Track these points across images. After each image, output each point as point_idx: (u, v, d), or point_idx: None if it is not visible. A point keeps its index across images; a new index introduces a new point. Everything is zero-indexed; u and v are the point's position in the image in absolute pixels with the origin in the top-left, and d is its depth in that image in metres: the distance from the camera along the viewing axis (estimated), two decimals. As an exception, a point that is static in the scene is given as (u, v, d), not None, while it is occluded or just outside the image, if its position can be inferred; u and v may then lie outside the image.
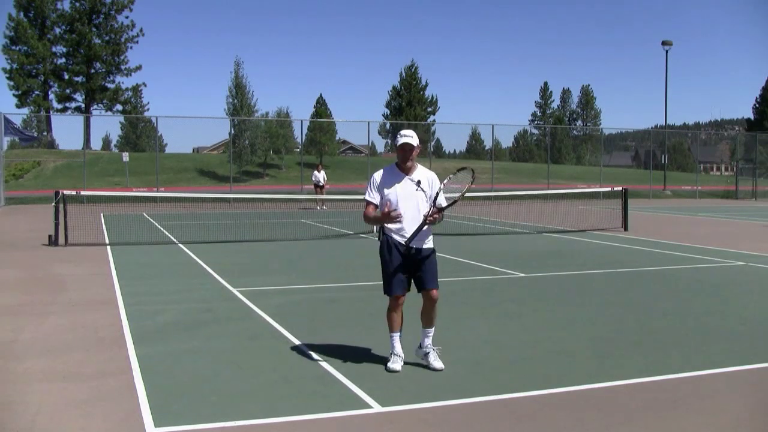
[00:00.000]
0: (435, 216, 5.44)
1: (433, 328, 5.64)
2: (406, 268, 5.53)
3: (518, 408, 4.72)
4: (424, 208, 5.49)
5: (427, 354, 5.60)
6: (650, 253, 13.41)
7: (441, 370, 5.46)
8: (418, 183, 5.55)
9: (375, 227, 5.64)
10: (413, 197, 5.53)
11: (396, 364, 5.51)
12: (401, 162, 5.60)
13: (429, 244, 5.61)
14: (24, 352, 6.11)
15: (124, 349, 6.18)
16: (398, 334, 5.61)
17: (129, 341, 6.42)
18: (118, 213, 23.73)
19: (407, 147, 5.55)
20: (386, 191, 5.55)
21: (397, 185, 5.55)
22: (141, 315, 7.56)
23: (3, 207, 27.85)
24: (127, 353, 6.03)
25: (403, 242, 5.45)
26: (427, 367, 5.52)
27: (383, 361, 5.71)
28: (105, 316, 7.53)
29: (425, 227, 5.44)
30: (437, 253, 5.69)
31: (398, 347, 5.59)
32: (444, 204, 5.59)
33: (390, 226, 5.52)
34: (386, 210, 5.44)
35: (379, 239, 5.68)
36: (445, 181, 5.66)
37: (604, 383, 5.23)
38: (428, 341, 5.63)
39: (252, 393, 5.00)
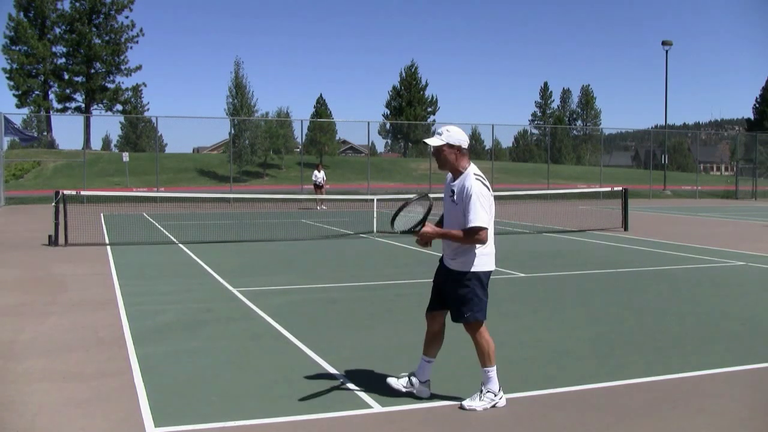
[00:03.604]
0: (420, 231, 4.60)
1: (486, 369, 4.69)
2: (439, 286, 4.84)
3: (518, 408, 4.72)
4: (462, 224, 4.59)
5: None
6: (650, 253, 13.41)
7: (473, 410, 4.63)
8: (452, 193, 4.70)
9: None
10: (453, 211, 4.69)
11: (397, 384, 4.81)
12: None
13: (458, 265, 4.69)
14: (24, 352, 6.11)
15: (124, 349, 6.17)
16: (425, 358, 4.87)
17: (129, 341, 6.42)
18: (118, 213, 23.73)
19: (433, 150, 4.74)
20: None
21: (446, 195, 4.81)
22: (141, 315, 7.56)
23: (3, 207, 27.85)
24: (127, 353, 6.02)
25: (440, 257, 4.83)
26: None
27: (383, 361, 5.72)
28: (105, 316, 7.53)
29: (455, 245, 4.66)
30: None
31: (418, 374, 4.84)
32: (409, 226, 4.68)
33: None
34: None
35: None
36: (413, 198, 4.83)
37: (604, 383, 5.23)
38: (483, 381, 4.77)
39: (252, 393, 4.99)
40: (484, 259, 4.68)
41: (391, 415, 4.57)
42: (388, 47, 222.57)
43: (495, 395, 4.69)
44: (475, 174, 4.65)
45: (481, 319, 4.71)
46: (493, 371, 4.71)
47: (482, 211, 4.53)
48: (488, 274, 4.75)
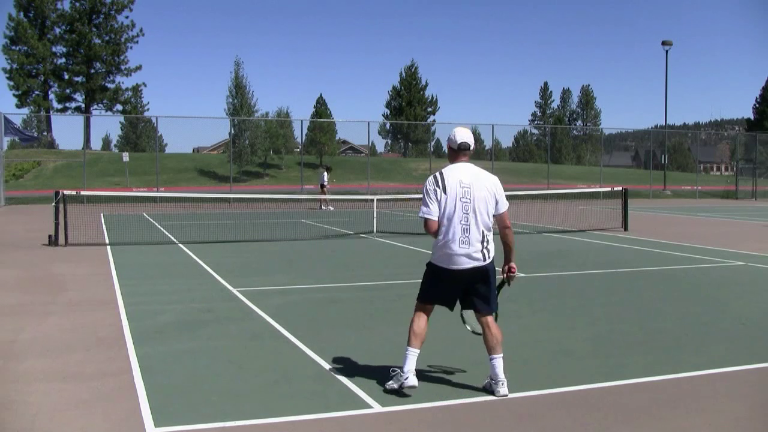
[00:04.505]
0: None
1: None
2: None
3: (518, 408, 4.72)
4: None
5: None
6: (650, 253, 13.41)
7: (392, 388, 4.94)
8: None
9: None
10: None
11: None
12: None
13: None
14: (24, 352, 6.11)
15: (124, 349, 6.17)
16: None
17: (129, 341, 6.42)
18: (118, 213, 23.73)
19: None
20: None
21: None
22: (141, 315, 7.56)
23: (3, 207, 27.86)
24: (127, 353, 6.02)
25: None
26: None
27: (383, 361, 5.71)
28: (105, 316, 7.53)
29: None
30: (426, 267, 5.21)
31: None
32: None
33: None
34: None
35: None
36: None
37: (604, 383, 5.23)
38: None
39: (252, 393, 4.99)
40: (434, 254, 5.05)
41: (391, 415, 4.57)
42: (388, 47, 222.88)
43: (402, 375, 4.87)
44: (439, 171, 5.05)
45: (417, 300, 5.14)
46: (409, 351, 4.94)
47: (423, 204, 5.00)
48: (435, 268, 5.02)
